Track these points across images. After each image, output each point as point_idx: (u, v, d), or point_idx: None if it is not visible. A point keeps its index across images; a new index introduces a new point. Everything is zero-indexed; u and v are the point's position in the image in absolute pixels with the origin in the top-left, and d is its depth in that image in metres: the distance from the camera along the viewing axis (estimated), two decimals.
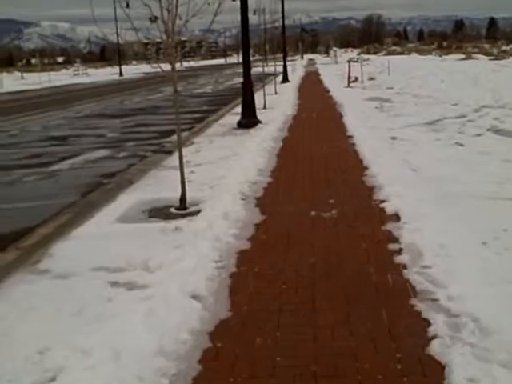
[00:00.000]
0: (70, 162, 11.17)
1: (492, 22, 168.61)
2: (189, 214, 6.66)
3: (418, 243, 5.03)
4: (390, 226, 5.77)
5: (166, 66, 6.80)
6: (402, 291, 4.23)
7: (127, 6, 6.71)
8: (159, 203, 7.21)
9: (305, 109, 18.09)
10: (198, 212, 6.63)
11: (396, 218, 6.00)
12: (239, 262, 5.08)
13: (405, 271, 4.58)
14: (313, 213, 6.51)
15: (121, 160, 11.16)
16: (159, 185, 8.26)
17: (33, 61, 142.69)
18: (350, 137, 11.73)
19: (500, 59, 50.70)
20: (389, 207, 6.41)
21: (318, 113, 16.87)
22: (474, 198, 6.53)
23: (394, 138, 11.24)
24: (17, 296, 4.56)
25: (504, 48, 67.28)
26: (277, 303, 4.19)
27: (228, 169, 8.88)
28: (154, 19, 6.37)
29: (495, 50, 65.24)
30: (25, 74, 75.07)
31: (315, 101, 21.19)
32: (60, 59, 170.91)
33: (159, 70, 6.84)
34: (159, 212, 6.88)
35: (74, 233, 6.25)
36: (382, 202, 6.70)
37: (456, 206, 6.23)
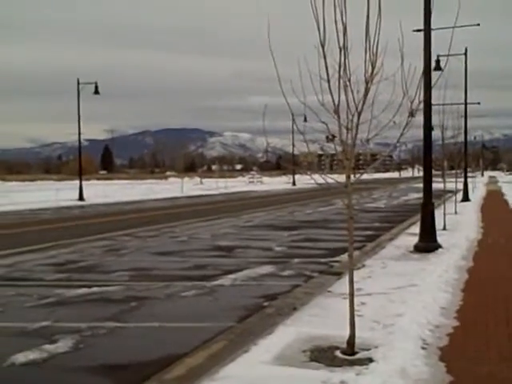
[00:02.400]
0: (232, 276, 10.57)
1: None
2: (357, 361, 5.54)
3: None
4: None
5: (340, 178, 6.08)
6: None
7: (305, 120, 6.29)
8: (323, 342, 6.19)
9: (491, 233, 16.24)
10: (369, 361, 5.49)
11: None
12: None
13: None
14: None
15: (285, 279, 10.37)
16: (324, 316, 7.26)
17: (213, 167, 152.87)
18: None
19: None
20: None
21: (507, 239, 14.99)
22: None
23: None
24: None
25: None
26: None
27: (404, 303, 7.67)
28: (331, 138, 5.73)
29: None
30: (204, 180, 79.75)
31: (502, 224, 19.20)
32: (238, 166, 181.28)
33: (331, 181, 6.12)
34: (322, 354, 5.83)
35: (224, 371, 5.44)
36: None
37: None
